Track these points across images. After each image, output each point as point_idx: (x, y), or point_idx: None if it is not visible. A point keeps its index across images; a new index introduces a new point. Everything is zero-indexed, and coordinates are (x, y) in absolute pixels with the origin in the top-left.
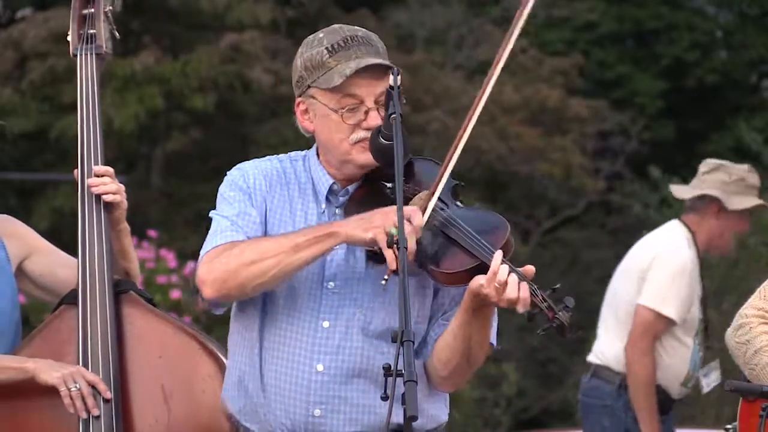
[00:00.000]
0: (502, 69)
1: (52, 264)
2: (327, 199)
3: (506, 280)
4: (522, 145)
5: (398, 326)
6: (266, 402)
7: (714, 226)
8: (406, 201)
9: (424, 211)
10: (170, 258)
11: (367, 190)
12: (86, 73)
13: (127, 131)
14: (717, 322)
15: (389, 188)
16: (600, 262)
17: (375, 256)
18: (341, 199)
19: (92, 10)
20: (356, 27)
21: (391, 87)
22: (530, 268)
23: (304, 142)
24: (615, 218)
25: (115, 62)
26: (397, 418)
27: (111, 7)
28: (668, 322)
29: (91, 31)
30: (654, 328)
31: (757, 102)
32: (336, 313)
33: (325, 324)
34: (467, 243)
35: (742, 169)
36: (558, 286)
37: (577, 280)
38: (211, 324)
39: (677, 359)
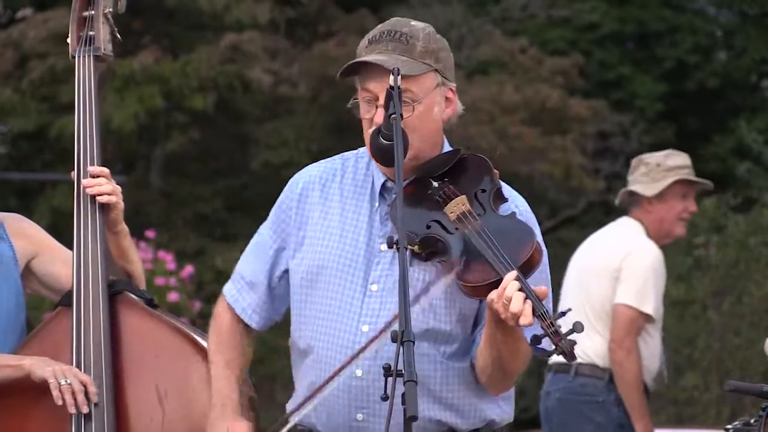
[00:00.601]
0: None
1: (58, 264)
2: (382, 195)
3: (511, 296)
4: (522, 145)
5: (398, 326)
6: (313, 406)
7: (650, 217)
8: (445, 202)
9: (461, 217)
10: (169, 260)
11: (415, 187)
12: (84, 74)
13: (127, 131)
14: (717, 322)
15: (433, 187)
16: None
17: (417, 256)
18: (393, 196)
19: (92, 12)
20: (413, 23)
21: (391, 87)
22: (543, 290)
23: (304, 142)
24: (615, 218)
25: (114, 62)
26: (441, 416)
27: (111, 9)
28: (647, 319)
29: (91, 33)
30: (636, 326)
31: (758, 102)
32: (376, 316)
33: (365, 328)
34: (491, 256)
35: (660, 155)
36: (569, 309)
37: None
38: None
39: (651, 355)
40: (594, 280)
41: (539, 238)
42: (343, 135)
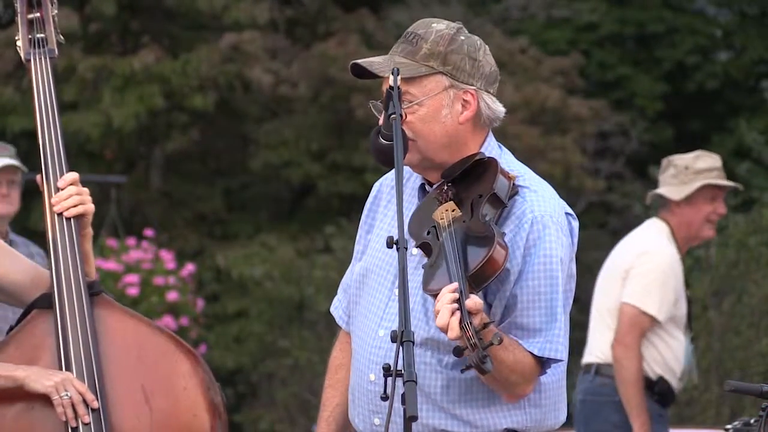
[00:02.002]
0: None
1: (7, 265)
2: (422, 196)
3: (439, 310)
4: (522, 145)
5: (398, 326)
6: (349, 408)
7: (678, 220)
8: (440, 204)
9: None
10: (168, 259)
11: (436, 191)
12: (42, 77)
13: (127, 131)
14: (717, 322)
15: (442, 192)
16: (600, 262)
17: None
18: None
19: (38, 14)
20: (434, 23)
21: (391, 87)
22: (472, 303)
23: (304, 142)
24: (615, 218)
25: (114, 61)
26: (446, 426)
27: (57, 11)
28: (652, 320)
29: (40, 35)
30: (639, 325)
31: (758, 103)
32: (394, 321)
33: (381, 333)
34: (449, 265)
35: (689, 158)
36: (492, 321)
37: (578, 280)
38: (210, 324)
39: (674, 354)
40: (610, 280)
41: (529, 248)
42: (343, 135)
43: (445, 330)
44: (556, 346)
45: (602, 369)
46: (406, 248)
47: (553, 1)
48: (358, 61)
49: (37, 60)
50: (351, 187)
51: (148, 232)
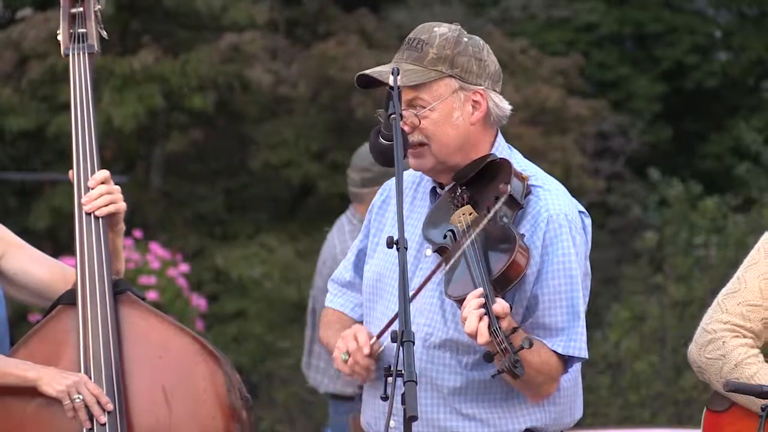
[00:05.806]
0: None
1: (28, 262)
2: (434, 201)
3: (466, 317)
4: (522, 145)
5: (398, 326)
6: (365, 409)
7: None
8: (456, 208)
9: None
10: (152, 259)
11: (448, 194)
12: (79, 73)
13: (127, 130)
14: None
15: (456, 195)
16: (600, 263)
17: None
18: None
19: (81, 9)
20: (436, 27)
21: (391, 87)
22: (500, 308)
23: (303, 143)
24: (615, 218)
25: (114, 61)
26: (463, 427)
27: (100, 6)
28: None
29: (82, 30)
30: None
31: (757, 102)
32: (409, 324)
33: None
34: (472, 270)
35: None
36: (520, 326)
37: None
38: (210, 324)
39: None
40: None
41: (538, 249)
42: (342, 135)
43: (474, 336)
44: (580, 344)
45: None
46: (406, 248)
47: (552, 1)
48: (367, 71)
49: (76, 56)
50: None
51: (137, 233)
